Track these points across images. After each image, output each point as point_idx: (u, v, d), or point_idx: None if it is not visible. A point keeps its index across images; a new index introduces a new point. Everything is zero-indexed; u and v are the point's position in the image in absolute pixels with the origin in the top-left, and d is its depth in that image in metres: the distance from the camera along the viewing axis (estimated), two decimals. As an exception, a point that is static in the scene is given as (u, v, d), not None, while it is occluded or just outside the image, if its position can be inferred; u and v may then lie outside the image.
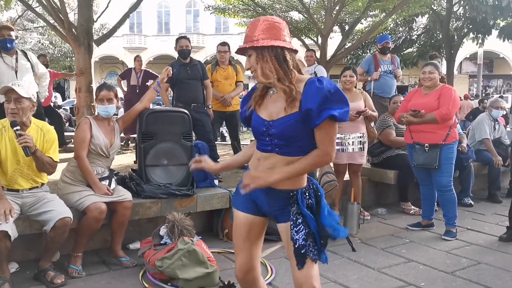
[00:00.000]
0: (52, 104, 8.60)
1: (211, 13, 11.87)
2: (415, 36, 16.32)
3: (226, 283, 3.06)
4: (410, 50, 16.71)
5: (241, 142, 6.85)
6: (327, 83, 1.80)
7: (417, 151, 4.30)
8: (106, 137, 3.47)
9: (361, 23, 10.99)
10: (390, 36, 16.54)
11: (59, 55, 18.83)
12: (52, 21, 8.64)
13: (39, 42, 19.76)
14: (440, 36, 14.84)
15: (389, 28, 15.39)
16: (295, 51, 1.93)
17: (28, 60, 4.48)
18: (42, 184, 3.25)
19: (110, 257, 3.51)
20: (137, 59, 7.74)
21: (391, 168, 5.24)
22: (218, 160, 5.44)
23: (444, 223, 4.35)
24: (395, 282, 3.25)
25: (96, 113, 3.59)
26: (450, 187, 4.25)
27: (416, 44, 16.38)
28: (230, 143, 6.63)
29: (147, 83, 7.35)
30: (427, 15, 14.37)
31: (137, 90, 7.28)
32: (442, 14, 13.98)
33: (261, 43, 1.85)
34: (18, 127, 2.95)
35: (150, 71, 7.89)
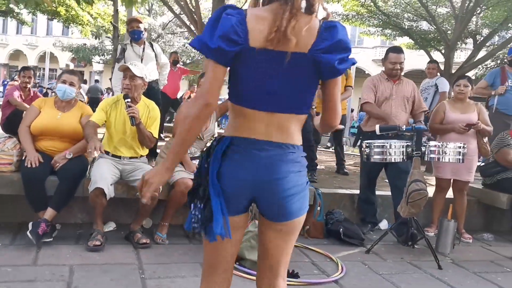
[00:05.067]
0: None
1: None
2: None
3: (290, 271, 3.09)
4: None
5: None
6: None
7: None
8: (202, 121, 3.74)
9: (498, 35, 9.92)
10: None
11: (199, 58, 20.52)
12: (188, 23, 9.47)
13: (183, 46, 21.79)
14: None
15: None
16: None
17: (153, 50, 5.03)
18: (141, 156, 3.64)
19: (193, 233, 3.76)
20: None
21: (506, 192, 4.70)
22: (315, 161, 5.45)
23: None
24: (476, 306, 2.95)
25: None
26: None
27: None
28: (332, 148, 6.56)
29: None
30: None
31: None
32: None
33: None
34: (129, 100, 3.36)
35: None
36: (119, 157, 3.52)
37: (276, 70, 1.46)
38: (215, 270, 1.61)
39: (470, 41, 9.65)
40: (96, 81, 20.91)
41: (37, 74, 32.57)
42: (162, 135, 7.17)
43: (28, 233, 3.12)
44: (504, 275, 3.60)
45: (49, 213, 3.26)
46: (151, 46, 5.05)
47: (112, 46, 11.33)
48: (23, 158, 3.43)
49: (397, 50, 4.33)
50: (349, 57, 1.50)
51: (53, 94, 3.51)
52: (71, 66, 10.32)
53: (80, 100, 5.77)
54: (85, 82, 22.48)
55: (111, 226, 3.72)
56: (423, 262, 3.69)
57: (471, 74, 11.36)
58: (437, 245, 4.02)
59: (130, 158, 3.55)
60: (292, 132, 1.53)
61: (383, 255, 3.79)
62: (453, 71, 7.50)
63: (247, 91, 1.49)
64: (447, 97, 6.94)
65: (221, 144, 1.52)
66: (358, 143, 8.94)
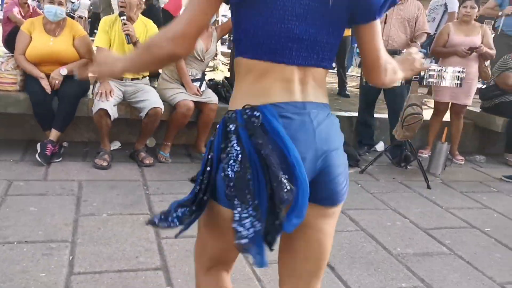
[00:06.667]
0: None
1: None
2: None
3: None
4: None
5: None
6: None
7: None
8: (203, 42, 3.74)
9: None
10: None
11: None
12: None
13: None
14: None
15: None
16: None
17: (152, -35, 4.86)
18: (143, 77, 3.70)
19: (195, 152, 3.93)
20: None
21: (503, 115, 4.77)
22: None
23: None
24: (458, 222, 3.15)
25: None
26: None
27: None
28: (335, 70, 6.54)
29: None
30: None
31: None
32: None
33: None
34: (125, 17, 3.36)
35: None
36: (121, 78, 3.58)
37: (304, 9, 1.10)
38: (223, 262, 1.28)
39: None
40: (98, -5, 20.14)
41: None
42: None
43: (37, 156, 3.29)
44: (489, 194, 3.80)
45: (53, 133, 3.40)
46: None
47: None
48: (26, 78, 3.52)
49: None
50: None
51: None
52: None
53: (79, 16, 5.60)
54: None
55: (116, 145, 3.88)
56: (414, 182, 3.87)
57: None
58: (429, 166, 4.18)
59: (132, 79, 3.61)
60: (325, 90, 1.21)
61: (376, 175, 3.97)
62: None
63: (269, 38, 1.10)
64: (456, 17, 6.75)
65: (268, 117, 1.06)
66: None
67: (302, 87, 1.14)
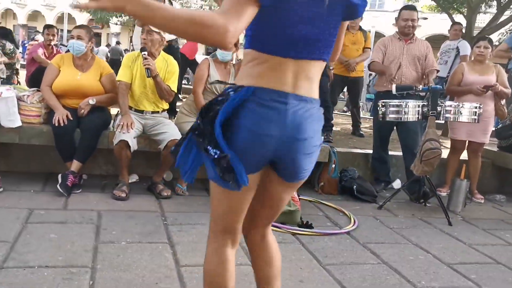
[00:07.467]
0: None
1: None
2: None
3: (304, 222, 3.24)
4: None
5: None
6: None
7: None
8: (221, 78, 3.84)
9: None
10: None
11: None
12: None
13: (201, 7, 21.66)
14: None
15: None
16: None
17: (172, 8, 5.07)
18: (163, 110, 3.77)
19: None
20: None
21: (521, 154, 4.74)
22: (332, 122, 5.52)
23: None
24: (482, 258, 3.06)
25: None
26: None
27: None
28: (348, 111, 6.59)
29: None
30: None
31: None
32: None
33: None
34: (146, 52, 3.47)
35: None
36: (142, 111, 3.66)
37: (311, 15, 1.33)
38: (229, 229, 1.52)
39: (494, 3, 9.36)
40: (118, 42, 21.12)
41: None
42: (180, 96, 7.28)
43: (58, 186, 3.32)
44: (512, 232, 3.71)
45: (75, 165, 3.45)
46: (170, 3, 5.09)
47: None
48: (50, 111, 3.61)
49: (410, 7, 4.36)
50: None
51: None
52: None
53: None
54: (108, 45, 22.96)
55: (134, 178, 3.89)
56: (434, 218, 3.81)
57: (494, 38, 11.11)
58: (449, 203, 4.12)
59: (152, 112, 3.68)
60: (317, 84, 1.43)
61: (394, 211, 3.91)
62: (474, 35, 7.35)
63: (283, 37, 1.32)
64: (467, 61, 6.85)
65: (240, 93, 1.32)
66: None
67: (294, 80, 1.36)
